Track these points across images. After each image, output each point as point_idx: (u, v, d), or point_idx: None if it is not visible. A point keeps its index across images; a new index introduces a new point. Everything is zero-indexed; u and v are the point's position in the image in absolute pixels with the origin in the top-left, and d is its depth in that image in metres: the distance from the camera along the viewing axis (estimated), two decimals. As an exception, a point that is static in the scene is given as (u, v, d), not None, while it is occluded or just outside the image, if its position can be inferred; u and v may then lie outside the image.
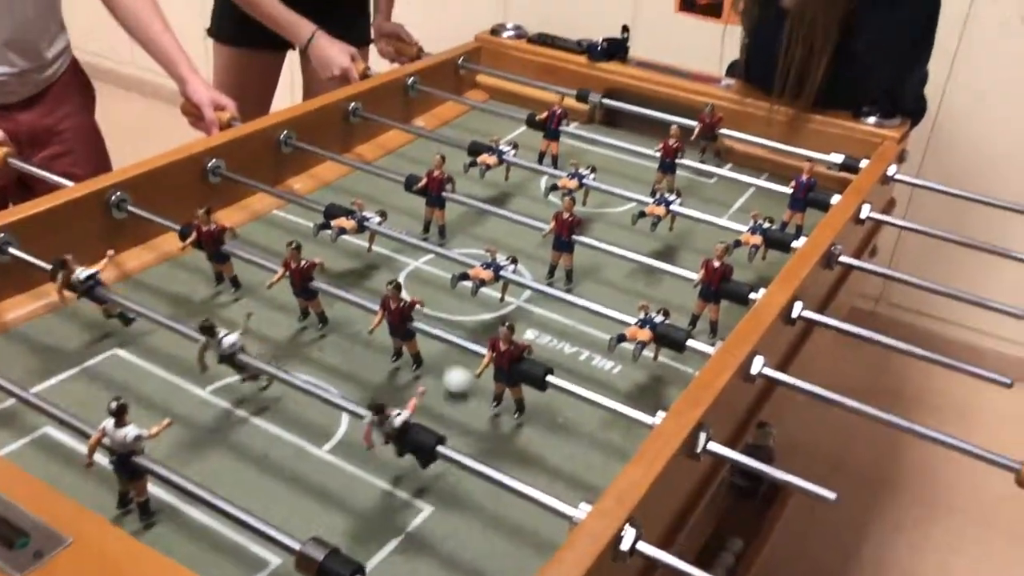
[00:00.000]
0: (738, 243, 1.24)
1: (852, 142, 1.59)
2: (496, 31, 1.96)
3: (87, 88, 1.72)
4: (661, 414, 0.88)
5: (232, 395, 1.03)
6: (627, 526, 0.75)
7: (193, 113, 1.60)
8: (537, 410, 1.04)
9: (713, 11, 2.55)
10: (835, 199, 1.37)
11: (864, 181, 1.43)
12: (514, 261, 1.16)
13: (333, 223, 1.22)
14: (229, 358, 0.97)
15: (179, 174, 1.32)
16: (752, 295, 1.11)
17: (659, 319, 1.04)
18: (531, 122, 1.60)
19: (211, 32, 2.12)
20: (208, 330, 0.96)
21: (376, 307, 1.05)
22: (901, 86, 1.75)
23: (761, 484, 1.49)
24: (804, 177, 1.37)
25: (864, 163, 1.50)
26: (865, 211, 1.35)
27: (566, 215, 1.22)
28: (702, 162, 1.63)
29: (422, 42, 1.99)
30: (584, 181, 1.38)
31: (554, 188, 1.40)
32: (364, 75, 1.81)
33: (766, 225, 1.25)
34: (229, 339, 0.96)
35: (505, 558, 0.86)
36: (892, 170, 1.50)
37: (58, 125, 1.61)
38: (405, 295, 1.04)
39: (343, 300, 1.11)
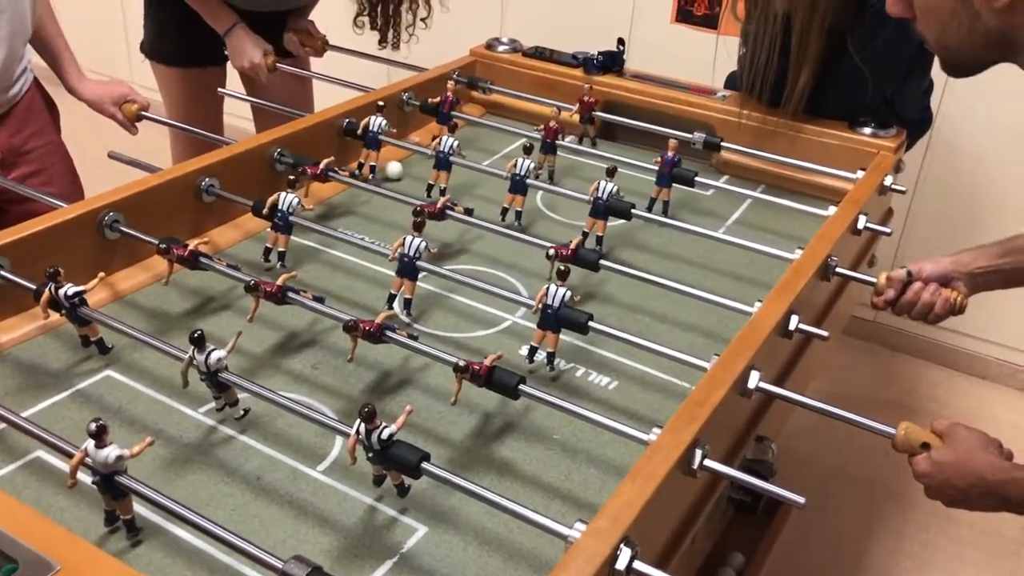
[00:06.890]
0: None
1: (848, 152, 1.59)
2: (491, 45, 1.96)
3: (51, 105, 1.70)
4: (656, 431, 0.87)
5: (224, 416, 1.02)
6: (622, 545, 0.74)
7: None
8: (533, 427, 1.03)
9: (709, 22, 2.55)
10: (831, 210, 1.37)
11: (861, 192, 1.42)
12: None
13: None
14: (211, 376, 0.96)
15: (172, 193, 1.31)
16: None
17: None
18: (425, 107, 1.70)
19: (146, 51, 2.09)
20: (198, 341, 0.95)
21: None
22: (902, 96, 1.74)
23: (761, 498, 1.48)
24: (669, 154, 1.46)
25: (860, 174, 1.49)
26: (862, 222, 1.34)
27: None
28: (580, 143, 1.73)
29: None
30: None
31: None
32: (272, 69, 1.94)
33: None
34: (216, 354, 0.96)
35: (500, 578, 0.85)
36: (888, 180, 1.49)
37: (25, 144, 1.59)
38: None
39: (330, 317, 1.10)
